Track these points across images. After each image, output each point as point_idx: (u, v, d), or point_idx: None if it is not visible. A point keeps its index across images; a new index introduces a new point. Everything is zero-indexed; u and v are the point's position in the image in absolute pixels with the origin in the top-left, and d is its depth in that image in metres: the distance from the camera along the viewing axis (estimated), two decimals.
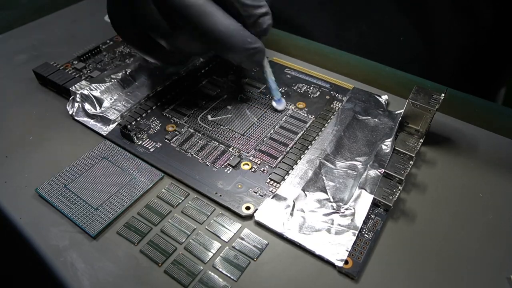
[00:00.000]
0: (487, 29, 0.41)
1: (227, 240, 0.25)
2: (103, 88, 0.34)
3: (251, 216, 0.26)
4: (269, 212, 0.26)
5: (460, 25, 0.42)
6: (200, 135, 0.31)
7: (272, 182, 0.28)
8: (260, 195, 0.27)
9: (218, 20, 0.26)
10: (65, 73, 0.36)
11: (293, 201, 0.26)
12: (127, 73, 0.36)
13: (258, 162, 0.29)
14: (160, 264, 0.24)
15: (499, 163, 0.29)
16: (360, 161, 0.29)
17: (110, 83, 0.35)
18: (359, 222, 0.25)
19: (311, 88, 0.36)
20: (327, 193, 0.27)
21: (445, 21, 0.42)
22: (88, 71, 0.37)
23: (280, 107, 0.33)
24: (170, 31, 0.28)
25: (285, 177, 0.28)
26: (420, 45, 0.45)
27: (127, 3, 0.29)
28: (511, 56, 0.44)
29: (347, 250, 0.23)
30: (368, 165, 0.27)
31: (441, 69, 0.45)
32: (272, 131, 0.32)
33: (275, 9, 0.48)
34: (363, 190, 0.26)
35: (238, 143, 0.31)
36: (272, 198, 0.26)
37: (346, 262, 0.23)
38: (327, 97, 0.35)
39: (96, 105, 0.33)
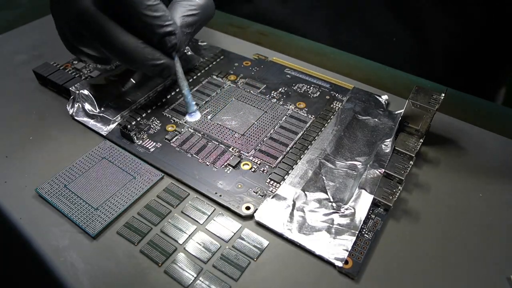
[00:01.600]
0: (482, 27, 0.41)
1: (227, 240, 0.25)
2: (103, 88, 0.34)
3: (251, 216, 0.26)
4: (269, 212, 0.26)
5: (452, 25, 0.42)
6: (200, 135, 0.31)
7: (272, 182, 0.28)
8: (260, 195, 0.27)
9: (114, 36, 0.28)
10: (65, 73, 0.36)
11: (293, 201, 0.26)
12: (127, 72, 0.36)
13: (258, 162, 0.29)
14: (160, 264, 0.24)
15: (499, 163, 0.29)
16: (360, 161, 0.29)
17: (110, 83, 0.35)
18: (359, 222, 0.25)
19: (311, 88, 0.36)
20: (327, 193, 0.27)
21: (437, 21, 0.42)
22: (88, 71, 0.37)
23: (192, 119, 0.33)
24: (79, 38, 0.30)
25: (285, 177, 0.28)
26: (414, 46, 0.45)
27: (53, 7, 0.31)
28: (509, 56, 0.44)
29: (347, 250, 0.23)
30: (368, 165, 0.27)
31: (436, 69, 0.45)
32: (272, 131, 0.32)
33: (267, 11, 0.48)
34: (363, 190, 0.26)
35: (238, 143, 0.31)
36: (272, 198, 0.26)
37: (346, 262, 0.23)
38: (327, 97, 0.35)
39: (96, 105, 0.33)
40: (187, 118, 0.33)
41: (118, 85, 0.35)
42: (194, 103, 0.33)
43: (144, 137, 0.31)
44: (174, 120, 0.33)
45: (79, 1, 0.28)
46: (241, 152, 0.30)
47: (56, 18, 0.31)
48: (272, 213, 0.26)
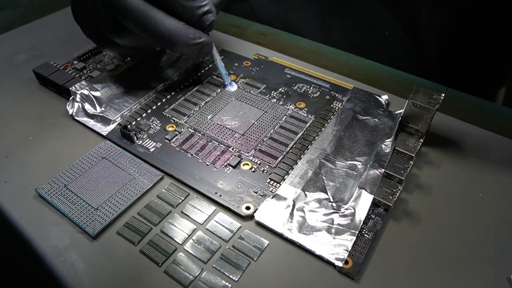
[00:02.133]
0: (482, 28, 0.41)
1: (227, 240, 0.25)
2: (103, 88, 0.34)
3: (251, 216, 0.26)
4: (269, 212, 0.26)
5: (453, 25, 0.42)
6: (200, 135, 0.31)
7: (272, 182, 0.28)
8: (260, 195, 0.27)
9: (159, 21, 0.29)
10: (65, 73, 0.36)
11: (293, 201, 0.26)
12: (127, 73, 0.36)
13: (258, 162, 0.29)
14: (160, 264, 0.24)
15: (499, 163, 0.29)
16: (360, 161, 0.29)
17: (110, 83, 0.35)
18: (359, 222, 0.25)
19: (311, 88, 0.36)
20: (327, 193, 0.27)
21: (438, 21, 0.42)
22: (88, 71, 0.37)
23: (233, 89, 0.36)
24: (119, 29, 0.30)
25: (285, 177, 0.28)
26: (414, 46, 0.45)
27: (82, 0, 0.31)
28: (509, 56, 0.44)
29: (347, 250, 0.23)
30: (368, 165, 0.27)
31: (437, 69, 0.45)
32: (272, 131, 0.32)
33: (260, 6, 0.48)
34: (363, 190, 0.26)
35: (238, 143, 0.31)
36: (272, 198, 0.26)
37: (346, 262, 0.23)
38: (327, 97, 0.35)
39: (96, 105, 0.33)
40: (229, 88, 0.36)
41: (119, 85, 0.35)
42: (228, 74, 0.36)
43: (144, 137, 0.31)
44: (174, 120, 0.33)
45: None
46: (241, 152, 0.30)
47: (83, 15, 0.32)
48: (272, 213, 0.26)
